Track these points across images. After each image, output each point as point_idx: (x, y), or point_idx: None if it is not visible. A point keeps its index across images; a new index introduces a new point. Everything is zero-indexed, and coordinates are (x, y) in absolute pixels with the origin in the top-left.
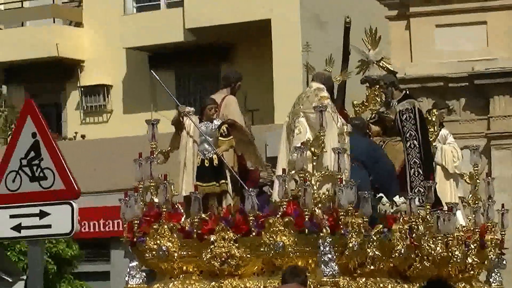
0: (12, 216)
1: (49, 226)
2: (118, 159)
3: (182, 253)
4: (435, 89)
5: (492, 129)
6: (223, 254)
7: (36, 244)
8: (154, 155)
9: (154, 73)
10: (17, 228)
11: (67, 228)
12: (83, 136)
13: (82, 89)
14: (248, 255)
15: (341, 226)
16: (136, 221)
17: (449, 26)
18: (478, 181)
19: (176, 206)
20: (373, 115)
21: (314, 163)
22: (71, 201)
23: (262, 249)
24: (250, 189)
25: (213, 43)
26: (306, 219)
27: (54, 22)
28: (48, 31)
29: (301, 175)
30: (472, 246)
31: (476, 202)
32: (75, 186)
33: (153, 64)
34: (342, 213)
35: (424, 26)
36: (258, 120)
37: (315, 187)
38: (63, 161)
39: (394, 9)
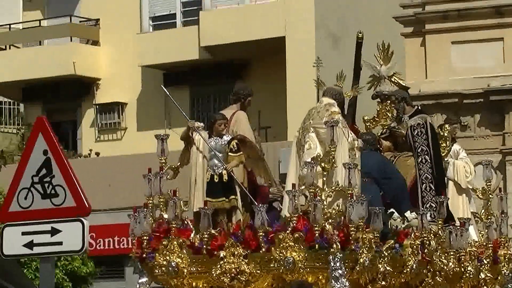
0: (24, 233)
1: (60, 243)
2: (132, 176)
3: (192, 269)
4: (450, 105)
5: (507, 145)
6: (233, 270)
7: (48, 260)
8: (164, 171)
9: (164, 88)
10: (29, 245)
11: (78, 245)
12: (97, 154)
13: (97, 106)
14: (258, 271)
15: (352, 242)
16: (145, 237)
17: (465, 42)
18: (491, 196)
19: (186, 222)
20: (384, 130)
21: (325, 178)
22: (82, 218)
23: (272, 265)
24: (260, 204)
25: (227, 61)
26: (316, 234)
27: (71, 40)
28: (66, 50)
29: (311, 190)
30: (485, 261)
31: (489, 217)
32: (86, 203)
33: (168, 82)
34: (353, 229)
35: (440, 43)
36: (272, 137)
37: (325, 203)
38: (74, 178)
39: (409, 26)
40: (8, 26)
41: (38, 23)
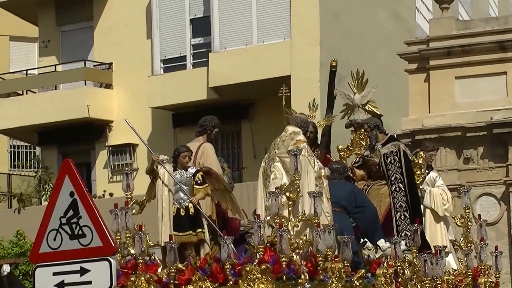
0: (55, 274)
1: (90, 282)
2: (144, 216)
3: None
4: (453, 138)
5: (510, 176)
6: None
7: None
8: (129, 206)
9: (127, 122)
10: (61, 285)
11: (107, 283)
12: (111, 194)
13: (110, 148)
14: None
15: (320, 272)
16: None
17: (468, 77)
18: (469, 223)
19: (153, 257)
20: (358, 159)
21: (290, 208)
22: (109, 258)
23: None
24: (226, 236)
25: (234, 101)
26: (284, 265)
27: (85, 84)
28: (80, 94)
29: (277, 220)
30: None
31: (469, 245)
32: (112, 243)
33: (177, 123)
34: (321, 258)
35: (444, 78)
36: None
37: (292, 233)
38: (100, 218)
39: (414, 62)
40: (25, 72)
41: (53, 69)
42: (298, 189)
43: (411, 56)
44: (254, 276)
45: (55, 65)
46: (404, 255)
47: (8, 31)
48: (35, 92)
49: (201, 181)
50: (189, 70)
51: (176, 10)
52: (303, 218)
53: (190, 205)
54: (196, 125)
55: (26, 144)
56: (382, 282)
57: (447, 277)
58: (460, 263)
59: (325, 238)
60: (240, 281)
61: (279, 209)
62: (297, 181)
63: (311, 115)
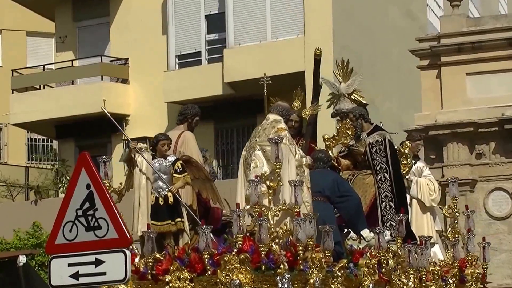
0: (70, 265)
1: (104, 274)
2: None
3: None
4: (465, 134)
5: None
6: None
7: None
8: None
9: (103, 108)
10: (75, 276)
11: (121, 275)
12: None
13: (126, 142)
14: None
15: (300, 262)
16: None
17: (479, 74)
18: (457, 214)
19: (131, 247)
20: (343, 148)
21: (271, 197)
22: (125, 249)
23: None
24: (204, 226)
25: (249, 96)
26: (263, 255)
27: (102, 79)
28: (97, 88)
29: (256, 209)
30: (451, 281)
31: (456, 235)
32: (128, 235)
33: None
34: (301, 248)
35: (455, 75)
36: None
37: (272, 222)
38: (116, 211)
39: (425, 59)
40: (42, 67)
41: (70, 64)
42: (278, 178)
43: (423, 52)
44: (233, 266)
45: (72, 60)
46: (388, 245)
47: (25, 26)
48: (52, 87)
49: (180, 169)
50: (204, 66)
51: (192, 6)
52: (283, 207)
53: (169, 194)
54: (211, 120)
55: (43, 137)
56: (365, 273)
57: (433, 268)
58: (447, 254)
59: (305, 228)
60: (218, 271)
61: (259, 198)
62: (278, 170)
63: (296, 105)
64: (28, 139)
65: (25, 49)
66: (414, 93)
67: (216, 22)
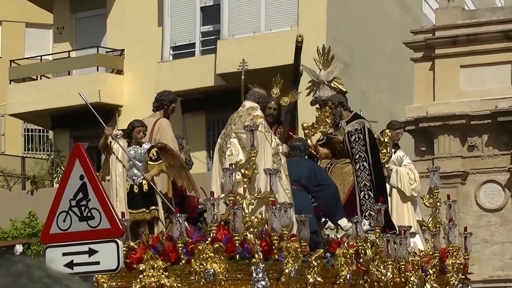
0: (64, 254)
1: (97, 263)
2: None
3: (112, 283)
4: (457, 126)
5: None
6: (153, 283)
7: (87, 280)
8: None
9: (81, 94)
10: (70, 265)
11: (114, 264)
12: None
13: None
14: (179, 284)
15: (275, 251)
16: None
17: (473, 66)
18: (438, 204)
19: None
20: (322, 137)
21: (245, 186)
22: (116, 239)
23: (192, 278)
24: (178, 214)
25: (240, 88)
26: (237, 244)
27: (97, 70)
28: (92, 79)
29: (231, 198)
30: (431, 271)
31: (437, 225)
32: (120, 225)
33: (186, 109)
34: (276, 238)
35: (449, 67)
36: None
37: (246, 211)
38: (108, 202)
39: (419, 51)
40: (40, 57)
41: (67, 55)
42: (254, 166)
43: (417, 45)
44: (207, 255)
45: (69, 51)
46: (366, 235)
47: (24, 17)
48: (49, 78)
49: (155, 157)
50: (197, 57)
51: None
52: (259, 196)
53: (144, 182)
54: (203, 111)
55: (39, 128)
56: (342, 263)
57: (412, 258)
58: (428, 244)
59: (280, 217)
60: (192, 260)
61: (234, 186)
62: (253, 158)
63: (275, 92)
64: (24, 129)
65: (24, 40)
66: (406, 85)
67: (211, 14)
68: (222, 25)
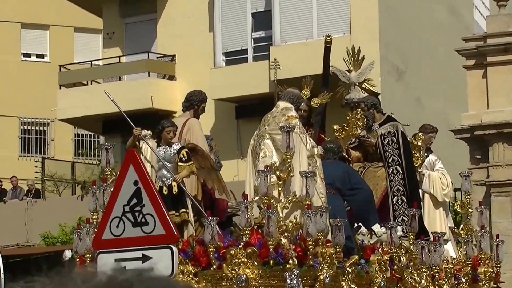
0: (117, 260)
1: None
2: None
3: None
4: (511, 134)
5: None
6: None
7: None
8: (108, 183)
9: (106, 92)
10: None
11: (168, 271)
12: None
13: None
14: None
15: (310, 257)
16: (88, 255)
17: None
18: (470, 210)
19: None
20: (353, 139)
21: (280, 188)
22: (171, 246)
23: (223, 283)
24: (210, 217)
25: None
26: (271, 249)
27: (149, 75)
28: (143, 84)
29: (265, 201)
30: (463, 279)
31: (468, 232)
32: (174, 232)
33: (240, 114)
34: (311, 243)
35: (501, 74)
36: None
37: (281, 214)
38: (163, 207)
39: (471, 58)
40: (90, 63)
41: (117, 60)
42: (289, 168)
43: (469, 52)
44: (239, 260)
45: (119, 57)
46: (400, 241)
47: (73, 22)
48: (99, 83)
49: (186, 158)
50: (250, 63)
51: (238, 4)
52: (294, 199)
53: (174, 183)
54: (258, 117)
55: (90, 133)
56: (377, 269)
57: (446, 266)
58: (459, 252)
59: (316, 221)
60: (224, 265)
61: (268, 189)
62: (289, 160)
63: (306, 93)
64: (75, 134)
65: (73, 45)
66: (460, 92)
67: (262, 20)
68: (274, 31)
